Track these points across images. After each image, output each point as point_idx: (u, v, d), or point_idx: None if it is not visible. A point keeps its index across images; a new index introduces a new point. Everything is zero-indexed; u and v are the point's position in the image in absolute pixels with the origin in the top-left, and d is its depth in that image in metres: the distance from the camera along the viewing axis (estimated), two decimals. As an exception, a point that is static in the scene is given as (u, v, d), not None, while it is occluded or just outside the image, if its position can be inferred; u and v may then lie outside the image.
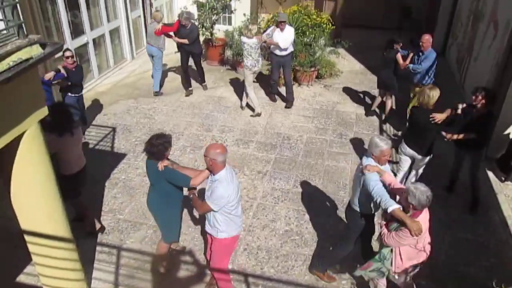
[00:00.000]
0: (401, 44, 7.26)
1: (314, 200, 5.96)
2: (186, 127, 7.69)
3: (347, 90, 9.24)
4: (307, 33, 9.19)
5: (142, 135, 7.38)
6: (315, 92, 9.14)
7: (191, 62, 8.71)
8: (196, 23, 9.76)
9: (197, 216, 5.47)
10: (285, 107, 8.43)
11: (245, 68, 7.71)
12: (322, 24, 9.33)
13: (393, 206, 3.58)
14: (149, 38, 8.49)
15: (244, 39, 7.48)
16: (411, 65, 6.95)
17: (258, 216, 5.62)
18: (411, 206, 3.53)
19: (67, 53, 6.51)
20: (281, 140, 7.37)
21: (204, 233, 4.83)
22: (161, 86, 9.03)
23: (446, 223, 5.44)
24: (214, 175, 3.78)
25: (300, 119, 8.07)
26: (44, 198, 3.58)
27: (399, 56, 7.13)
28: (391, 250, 3.81)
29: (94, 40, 9.17)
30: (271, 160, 6.79)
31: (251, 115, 8.08)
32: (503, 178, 6.28)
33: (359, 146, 7.21)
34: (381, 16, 12.46)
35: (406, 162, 5.61)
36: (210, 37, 10.05)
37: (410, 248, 3.72)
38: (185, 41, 8.19)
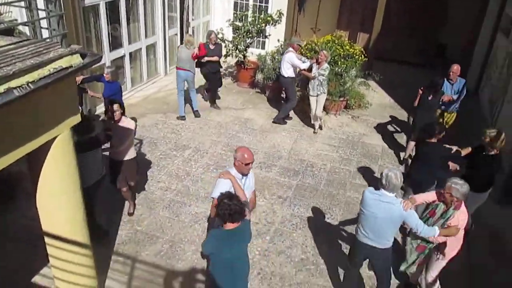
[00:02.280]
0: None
1: (333, 231, 5.87)
2: (211, 146, 7.76)
3: (375, 123, 9.18)
4: (339, 63, 9.22)
5: (167, 149, 7.49)
6: (342, 122, 9.12)
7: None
8: (231, 45, 9.99)
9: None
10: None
11: None
12: (354, 55, 9.36)
13: (437, 232, 4.07)
14: (183, 63, 8.29)
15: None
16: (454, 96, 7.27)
17: (275, 241, 5.57)
18: (455, 199, 4.06)
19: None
20: (304, 167, 7.34)
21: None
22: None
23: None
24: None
25: (325, 147, 8.05)
26: (67, 202, 3.67)
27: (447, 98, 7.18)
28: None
29: (130, 53, 9.45)
30: (293, 186, 6.76)
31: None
32: None
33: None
34: (414, 52, 12.41)
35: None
36: (242, 60, 10.21)
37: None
38: (216, 58, 8.66)
